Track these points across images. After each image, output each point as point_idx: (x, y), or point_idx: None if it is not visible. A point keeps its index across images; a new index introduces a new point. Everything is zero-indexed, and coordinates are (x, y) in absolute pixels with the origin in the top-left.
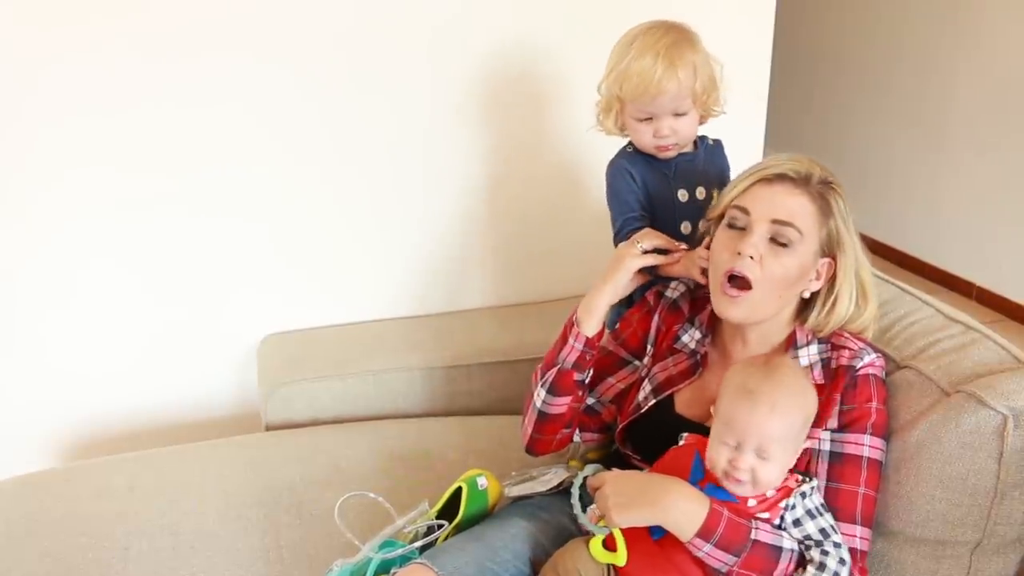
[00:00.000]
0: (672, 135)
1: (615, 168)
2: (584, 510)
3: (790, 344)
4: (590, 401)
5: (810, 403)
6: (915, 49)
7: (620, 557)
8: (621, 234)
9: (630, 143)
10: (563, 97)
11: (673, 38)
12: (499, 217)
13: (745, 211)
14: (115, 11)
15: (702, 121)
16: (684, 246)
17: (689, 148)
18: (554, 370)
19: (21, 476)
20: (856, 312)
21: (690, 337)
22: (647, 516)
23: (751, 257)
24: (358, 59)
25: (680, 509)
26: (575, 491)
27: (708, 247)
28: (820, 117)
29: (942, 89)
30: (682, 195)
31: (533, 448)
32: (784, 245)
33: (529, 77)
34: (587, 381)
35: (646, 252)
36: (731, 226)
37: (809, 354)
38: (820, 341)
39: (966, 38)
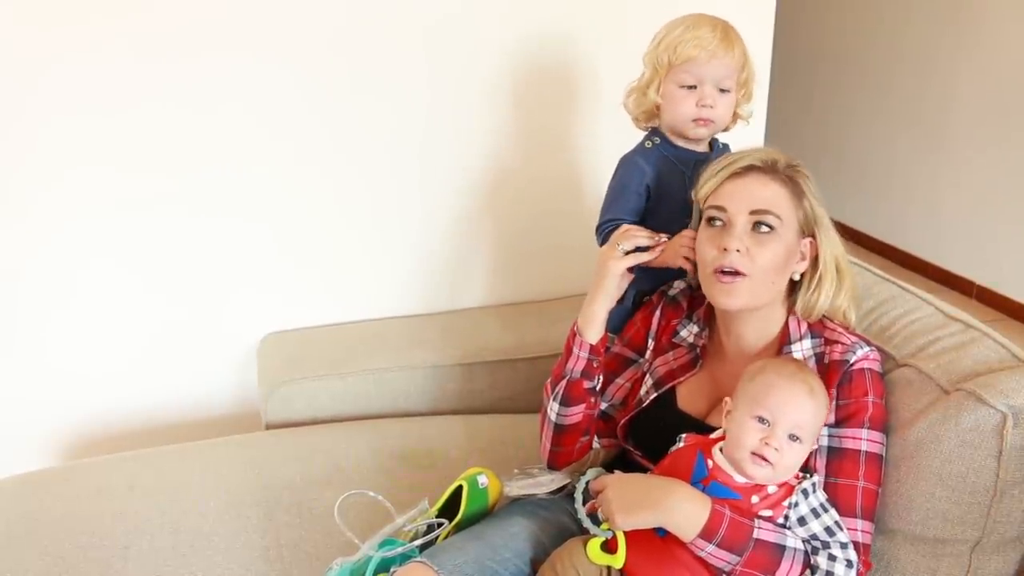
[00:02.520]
0: (714, 107)
1: (628, 164)
2: (586, 514)
3: (784, 339)
4: (604, 406)
5: (828, 402)
6: (915, 49)
7: (619, 559)
8: (600, 231)
9: (650, 138)
10: (565, 94)
11: (725, 22)
12: (500, 215)
13: (722, 208)
14: (115, 11)
15: (732, 122)
16: (664, 237)
17: (704, 148)
18: (564, 381)
19: (21, 476)
20: (836, 291)
21: (688, 331)
22: (650, 518)
23: (737, 251)
24: (358, 58)
25: (682, 511)
26: (579, 495)
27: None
28: (820, 117)
29: (942, 89)
30: None
31: (555, 462)
32: (767, 232)
33: (531, 74)
34: (597, 388)
35: (627, 252)
36: (711, 225)
37: (803, 348)
38: (813, 335)
39: (967, 38)
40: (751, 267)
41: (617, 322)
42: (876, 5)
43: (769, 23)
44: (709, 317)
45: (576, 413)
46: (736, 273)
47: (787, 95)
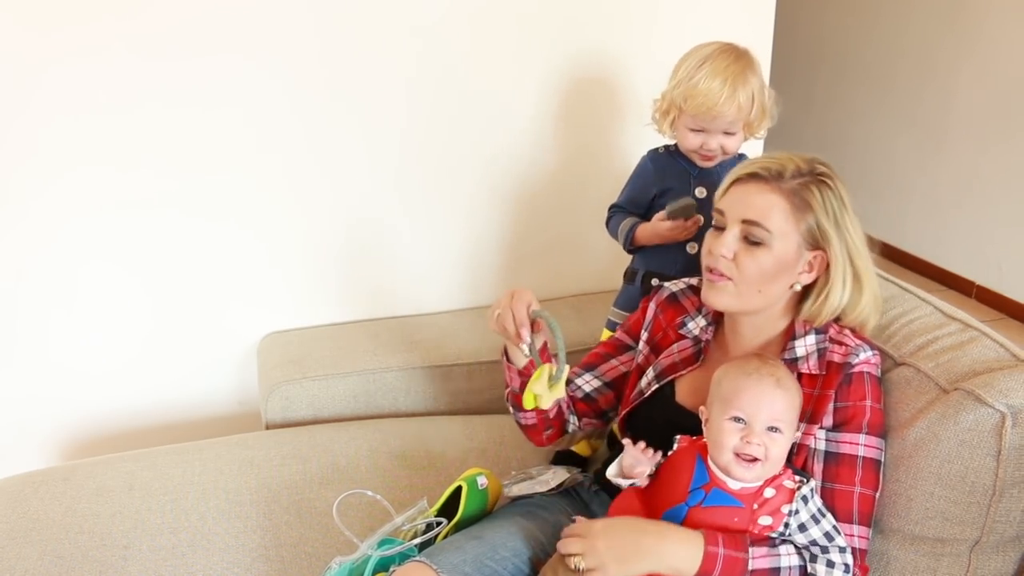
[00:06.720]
0: (718, 150)
1: (641, 163)
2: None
3: (788, 336)
4: (588, 388)
5: (799, 388)
6: (916, 48)
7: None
8: (609, 210)
9: (666, 145)
10: (561, 92)
11: (742, 66)
12: (499, 216)
13: (721, 212)
14: (114, 13)
15: (744, 140)
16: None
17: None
18: (507, 391)
19: (21, 475)
20: (852, 302)
21: (695, 324)
22: (646, 566)
23: (723, 256)
24: (357, 61)
25: (677, 556)
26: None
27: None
28: (820, 117)
29: (942, 88)
30: (699, 191)
31: (532, 441)
32: (757, 244)
33: (529, 78)
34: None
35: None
36: (715, 227)
37: (806, 344)
38: (818, 332)
39: (967, 38)
40: (736, 274)
41: (625, 301)
42: (876, 5)
43: (769, 23)
44: (718, 314)
45: (530, 416)
46: (723, 275)
47: (787, 95)
